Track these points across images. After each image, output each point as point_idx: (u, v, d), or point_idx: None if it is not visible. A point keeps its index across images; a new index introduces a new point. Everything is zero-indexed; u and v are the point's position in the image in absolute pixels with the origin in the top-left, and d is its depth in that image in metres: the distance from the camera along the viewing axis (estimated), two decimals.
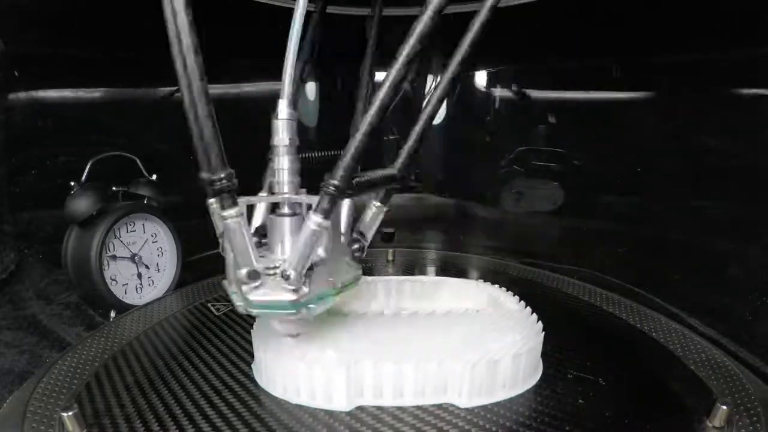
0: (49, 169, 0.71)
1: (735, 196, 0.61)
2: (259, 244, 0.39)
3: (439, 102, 0.39)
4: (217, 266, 0.75)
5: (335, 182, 0.33)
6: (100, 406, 0.42)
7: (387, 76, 0.35)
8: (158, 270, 0.72)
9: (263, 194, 0.43)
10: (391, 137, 1.10)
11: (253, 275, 0.34)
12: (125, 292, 0.68)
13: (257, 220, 0.42)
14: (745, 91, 0.61)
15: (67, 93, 0.74)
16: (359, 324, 0.45)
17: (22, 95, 0.69)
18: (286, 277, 0.34)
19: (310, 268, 0.35)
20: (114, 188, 0.68)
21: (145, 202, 0.70)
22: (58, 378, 0.47)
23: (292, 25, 0.39)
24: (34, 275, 0.69)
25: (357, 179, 0.34)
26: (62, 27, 0.71)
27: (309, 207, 0.36)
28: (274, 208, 0.39)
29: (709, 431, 0.39)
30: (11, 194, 0.68)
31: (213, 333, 0.57)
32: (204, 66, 0.33)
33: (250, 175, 0.41)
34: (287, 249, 0.36)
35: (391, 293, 0.57)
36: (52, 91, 0.72)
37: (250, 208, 0.41)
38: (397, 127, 1.00)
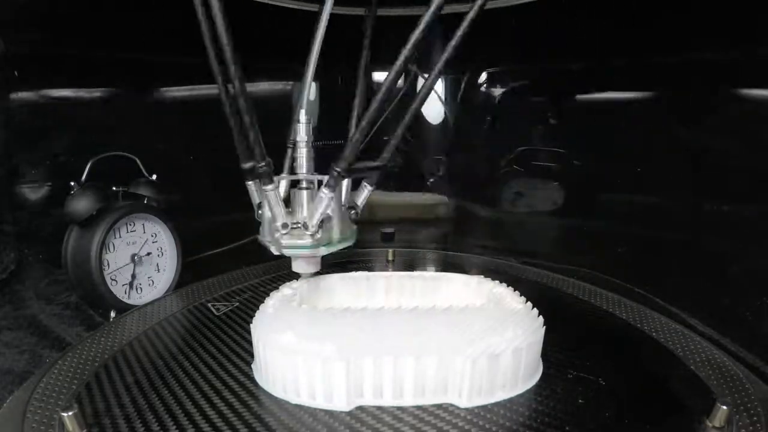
0: (49, 169, 0.71)
1: (735, 196, 0.61)
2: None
3: (421, 102, 0.52)
4: (217, 266, 0.75)
5: (339, 167, 0.48)
6: (100, 406, 0.42)
7: (386, 77, 0.45)
8: (158, 270, 0.72)
9: (285, 174, 0.57)
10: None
11: (285, 226, 0.50)
12: (125, 292, 0.68)
13: (281, 194, 0.55)
14: (746, 91, 0.61)
15: (67, 93, 0.74)
16: (359, 319, 0.45)
17: (22, 95, 0.69)
18: (305, 227, 0.50)
19: (321, 223, 0.51)
20: (114, 188, 0.68)
21: (145, 202, 0.70)
22: (58, 378, 0.47)
23: (313, 38, 0.53)
24: (34, 275, 0.69)
25: (354, 166, 0.49)
26: (62, 27, 0.71)
27: (320, 183, 0.50)
28: (294, 184, 0.54)
29: (709, 431, 0.39)
30: (11, 194, 0.68)
31: (213, 333, 0.57)
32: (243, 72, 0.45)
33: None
34: (305, 211, 0.51)
35: (392, 289, 0.57)
36: (52, 91, 0.72)
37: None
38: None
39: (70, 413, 0.38)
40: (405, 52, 0.44)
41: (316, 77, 1.06)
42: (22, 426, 0.40)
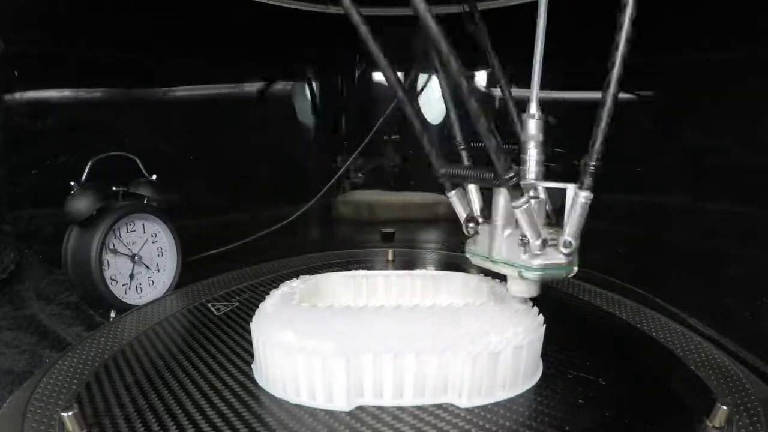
0: (49, 169, 0.71)
1: (735, 196, 0.61)
2: (477, 222, 0.48)
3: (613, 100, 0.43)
4: (217, 266, 0.75)
5: (593, 162, 0.41)
6: (100, 406, 0.42)
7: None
8: (158, 270, 0.72)
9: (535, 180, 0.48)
10: (393, 137, 1.11)
11: (545, 243, 0.41)
12: (125, 292, 0.68)
13: (476, 205, 0.50)
14: (745, 91, 0.61)
15: (67, 93, 0.74)
16: (359, 317, 0.45)
17: (22, 95, 0.69)
18: (566, 245, 0.41)
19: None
20: (114, 188, 0.68)
21: (145, 202, 0.70)
22: (58, 378, 0.47)
23: (537, 32, 0.46)
24: (34, 275, 0.69)
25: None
26: (62, 27, 0.71)
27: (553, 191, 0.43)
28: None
29: (709, 431, 0.39)
30: (11, 194, 0.68)
31: (213, 333, 0.57)
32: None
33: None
34: (571, 225, 0.42)
35: (392, 287, 0.57)
36: (52, 91, 0.72)
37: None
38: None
39: (70, 413, 0.38)
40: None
41: (316, 77, 1.07)
42: (22, 426, 0.40)
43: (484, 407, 0.42)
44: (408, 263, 0.83)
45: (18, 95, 0.68)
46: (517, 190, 0.40)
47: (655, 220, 0.73)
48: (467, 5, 0.55)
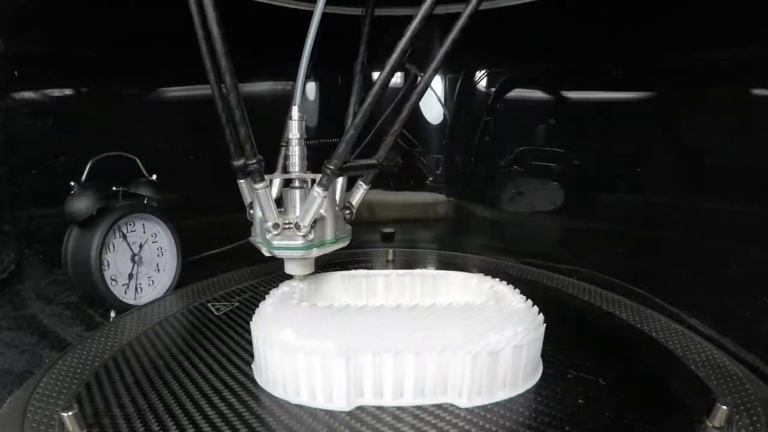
0: (49, 169, 0.71)
1: (735, 196, 0.61)
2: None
3: (418, 98, 0.50)
4: (217, 266, 0.75)
5: (331, 166, 0.47)
6: (100, 406, 0.42)
7: (379, 76, 0.45)
8: (158, 270, 0.72)
9: (278, 173, 0.56)
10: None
11: (276, 226, 0.48)
12: (125, 292, 0.68)
13: (274, 193, 0.55)
14: (746, 91, 0.61)
15: (67, 93, 0.74)
16: (359, 316, 0.45)
17: (22, 95, 0.69)
18: (297, 227, 0.48)
19: (314, 223, 0.49)
20: (114, 188, 0.68)
21: (145, 202, 0.70)
22: (58, 378, 0.47)
23: (307, 36, 0.49)
24: (34, 275, 0.69)
25: (347, 164, 0.48)
26: (62, 27, 0.71)
27: (313, 182, 0.49)
28: (287, 183, 0.52)
29: (709, 431, 0.39)
30: (11, 194, 0.68)
31: (213, 333, 0.57)
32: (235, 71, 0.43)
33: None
34: (298, 211, 0.50)
35: (392, 287, 0.57)
36: (52, 91, 0.72)
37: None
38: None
39: (70, 413, 0.38)
40: (401, 45, 0.43)
41: (316, 77, 1.07)
42: (22, 426, 0.40)
43: (484, 407, 0.42)
44: (408, 263, 0.83)
45: (18, 95, 0.68)
46: (258, 174, 0.46)
47: (655, 220, 0.73)
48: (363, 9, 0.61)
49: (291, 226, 0.48)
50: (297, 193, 0.50)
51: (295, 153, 0.51)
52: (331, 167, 0.47)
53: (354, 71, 0.61)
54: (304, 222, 0.48)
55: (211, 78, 0.46)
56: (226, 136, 0.48)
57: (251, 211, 0.52)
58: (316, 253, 0.50)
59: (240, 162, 0.47)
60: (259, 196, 0.48)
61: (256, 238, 0.52)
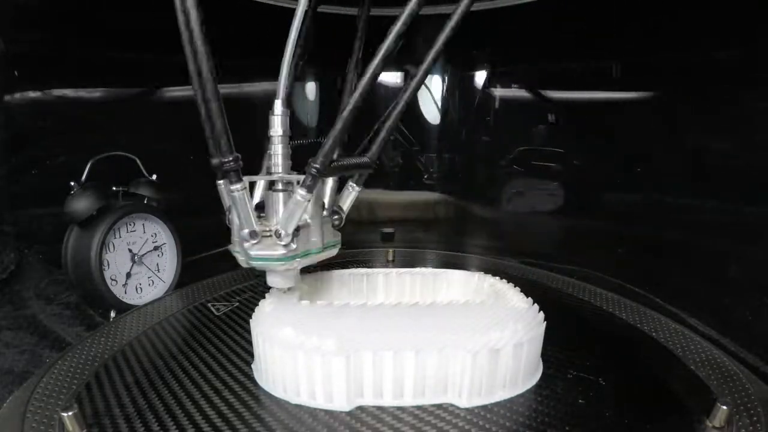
0: (49, 169, 0.71)
1: (735, 196, 0.61)
2: (259, 217, 0.46)
3: (412, 93, 0.46)
4: (217, 266, 0.75)
5: (316, 165, 0.42)
6: (100, 406, 0.42)
7: (363, 74, 0.42)
8: (158, 270, 0.72)
9: (261, 175, 0.52)
10: (392, 137, 1.10)
11: (253, 234, 0.43)
12: (125, 292, 0.68)
13: (256, 198, 0.50)
14: (745, 91, 0.61)
15: (67, 93, 0.74)
16: (359, 314, 0.45)
17: (22, 95, 0.69)
18: (278, 236, 0.43)
19: (297, 231, 0.44)
20: (114, 188, 0.68)
21: (145, 202, 0.70)
22: (58, 378, 0.47)
23: (290, 31, 0.45)
24: (34, 275, 0.69)
25: (334, 163, 0.44)
26: (62, 27, 0.71)
27: (299, 183, 0.44)
28: (270, 186, 0.47)
29: (709, 431, 0.39)
30: (11, 194, 0.68)
31: (213, 333, 0.57)
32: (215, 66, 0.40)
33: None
34: (280, 217, 0.44)
35: (392, 285, 0.57)
36: (51, 91, 0.72)
37: (252, 187, 0.49)
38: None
39: (70, 413, 0.38)
40: (387, 42, 0.41)
41: (316, 77, 1.06)
42: (22, 426, 0.40)
43: (484, 407, 0.42)
44: (408, 263, 0.83)
45: (18, 95, 0.68)
46: (235, 175, 0.42)
47: (655, 220, 0.73)
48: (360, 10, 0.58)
49: (270, 234, 0.43)
50: (281, 196, 0.45)
51: (278, 152, 0.46)
52: (317, 166, 0.42)
53: (347, 69, 0.56)
54: (286, 229, 0.43)
55: (191, 67, 0.42)
56: (206, 132, 0.43)
57: (230, 216, 0.46)
58: (298, 264, 0.45)
59: (216, 160, 0.42)
60: (235, 199, 0.42)
61: (234, 247, 0.47)
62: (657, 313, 0.61)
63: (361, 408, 0.42)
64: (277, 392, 0.44)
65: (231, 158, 0.41)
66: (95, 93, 0.77)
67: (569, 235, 0.88)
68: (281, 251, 0.44)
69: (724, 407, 0.39)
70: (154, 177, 0.72)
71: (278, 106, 0.46)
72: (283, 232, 0.43)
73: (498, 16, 0.81)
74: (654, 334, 0.56)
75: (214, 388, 0.45)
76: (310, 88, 1.07)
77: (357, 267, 0.60)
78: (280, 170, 0.46)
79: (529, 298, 0.50)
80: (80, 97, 0.75)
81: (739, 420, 0.40)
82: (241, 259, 0.46)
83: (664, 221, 0.72)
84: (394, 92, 0.99)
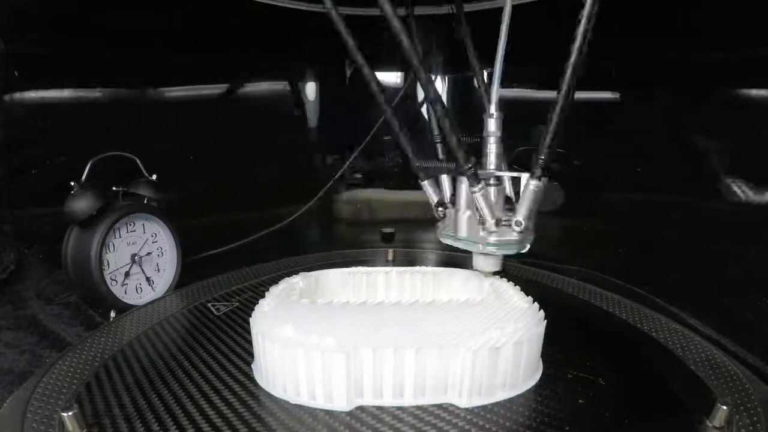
0: (49, 169, 0.71)
1: (735, 196, 0.61)
2: (445, 206, 0.55)
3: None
4: (217, 266, 0.75)
5: (542, 157, 0.47)
6: (100, 406, 0.42)
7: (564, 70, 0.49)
8: (158, 270, 0.72)
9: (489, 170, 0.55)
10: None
11: (498, 222, 0.48)
12: (125, 292, 0.68)
13: (446, 193, 0.57)
14: (745, 91, 0.61)
15: (67, 93, 0.74)
16: (359, 312, 0.45)
17: (22, 95, 0.69)
18: (518, 224, 0.48)
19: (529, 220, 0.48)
20: (114, 188, 0.68)
21: (145, 202, 0.70)
22: (58, 378, 0.47)
23: (500, 34, 0.52)
24: (34, 275, 0.69)
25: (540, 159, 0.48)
26: (62, 27, 0.71)
27: (513, 180, 0.51)
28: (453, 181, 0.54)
29: (709, 431, 0.39)
30: (11, 194, 0.68)
31: (213, 333, 0.57)
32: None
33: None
34: (496, 209, 0.49)
35: (392, 284, 0.57)
36: (52, 91, 0.72)
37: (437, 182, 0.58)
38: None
39: (70, 413, 0.38)
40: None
41: (317, 78, 1.07)
42: (22, 426, 0.40)
43: (484, 407, 0.42)
44: (408, 263, 0.82)
45: (18, 95, 0.68)
46: (474, 178, 0.47)
47: (655, 220, 0.73)
48: (453, 6, 0.61)
49: (509, 223, 0.49)
50: (493, 190, 0.50)
51: (492, 150, 0.52)
52: (542, 158, 0.47)
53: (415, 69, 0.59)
54: (524, 217, 0.48)
55: (424, 83, 0.47)
56: (401, 143, 0.53)
57: (439, 209, 0.55)
58: (527, 248, 0.50)
59: (418, 164, 0.53)
60: (478, 199, 0.48)
61: (458, 235, 0.52)
62: (657, 313, 0.61)
63: (361, 408, 0.42)
64: (277, 392, 0.44)
65: (471, 164, 0.47)
66: (95, 93, 0.77)
67: (569, 235, 0.88)
68: (516, 236, 0.49)
69: (724, 407, 0.39)
70: (154, 177, 0.72)
71: (493, 108, 0.52)
72: (519, 219, 0.48)
73: (498, 16, 0.81)
74: (654, 334, 0.56)
75: (214, 388, 0.45)
76: (310, 88, 1.07)
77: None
78: (493, 167, 0.52)
79: (529, 297, 0.50)
80: (80, 97, 0.75)
81: (739, 420, 0.40)
82: (461, 245, 0.52)
83: (664, 221, 0.72)
84: (394, 92, 0.99)
